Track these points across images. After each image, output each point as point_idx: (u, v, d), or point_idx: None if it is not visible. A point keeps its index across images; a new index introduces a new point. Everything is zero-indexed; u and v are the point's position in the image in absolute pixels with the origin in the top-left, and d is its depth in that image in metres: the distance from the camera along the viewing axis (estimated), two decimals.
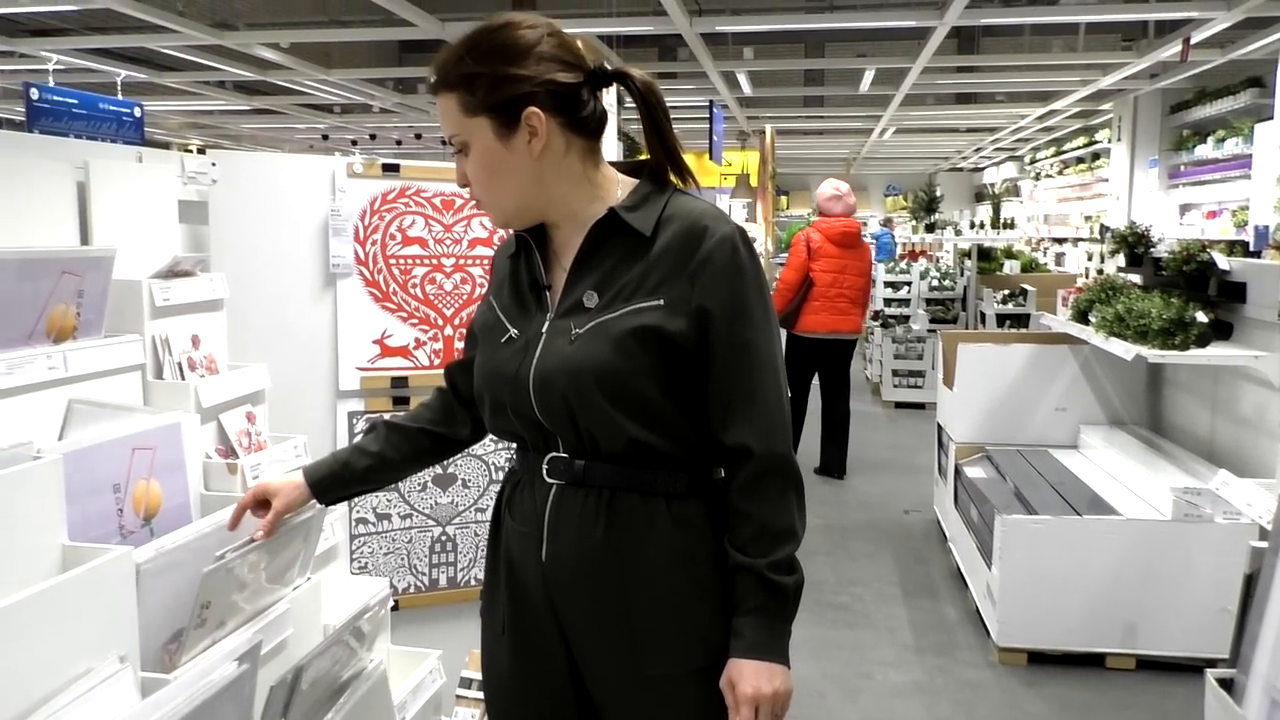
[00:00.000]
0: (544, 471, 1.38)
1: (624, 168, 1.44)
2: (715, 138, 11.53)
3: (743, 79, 11.15)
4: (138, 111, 6.71)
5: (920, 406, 8.01)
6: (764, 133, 14.74)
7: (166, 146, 12.46)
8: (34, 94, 5.97)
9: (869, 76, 10.69)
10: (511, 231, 1.48)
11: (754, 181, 15.66)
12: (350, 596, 2.13)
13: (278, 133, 16.46)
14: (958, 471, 4.40)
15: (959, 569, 4.22)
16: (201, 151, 2.18)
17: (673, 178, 1.43)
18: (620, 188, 1.41)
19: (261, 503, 1.56)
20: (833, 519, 5.13)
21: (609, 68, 1.39)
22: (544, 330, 1.37)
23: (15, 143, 1.80)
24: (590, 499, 1.36)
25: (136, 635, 1.41)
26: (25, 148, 1.82)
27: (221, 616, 1.55)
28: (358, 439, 1.65)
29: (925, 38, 8.74)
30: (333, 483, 1.59)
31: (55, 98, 6.13)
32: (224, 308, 2.07)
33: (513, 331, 1.40)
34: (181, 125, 14.98)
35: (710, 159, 12.08)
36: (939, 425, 5.05)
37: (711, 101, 11.44)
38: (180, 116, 13.98)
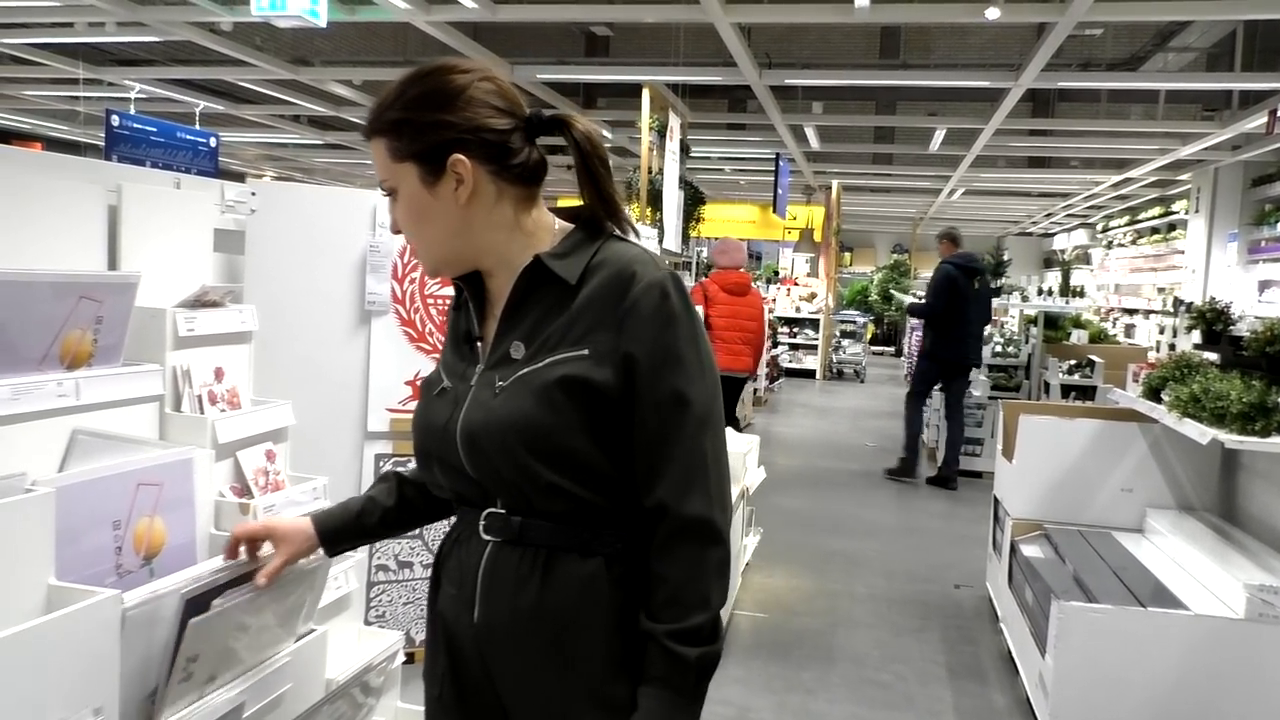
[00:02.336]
0: (480, 528, 1.33)
1: (565, 215, 1.39)
2: (780, 191, 11.49)
3: (810, 133, 11.09)
4: (213, 142, 6.86)
5: (977, 475, 7.75)
6: (830, 188, 14.71)
7: (241, 178, 12.77)
8: (114, 121, 6.12)
9: (939, 136, 10.57)
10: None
11: (818, 237, 15.62)
12: (361, 649, 2.04)
13: (349, 168, 16.82)
14: (1013, 549, 4.19)
15: (1010, 653, 3.99)
16: (240, 180, 2.15)
17: (620, 230, 1.36)
18: (556, 236, 1.36)
19: (262, 542, 1.50)
20: (878, 589, 4.93)
21: (545, 114, 1.34)
22: (473, 383, 1.32)
23: (45, 163, 1.77)
24: (526, 558, 1.29)
25: (116, 687, 1.33)
26: (55, 168, 1.79)
27: (212, 670, 1.46)
28: (369, 488, 1.57)
29: (999, 99, 8.61)
30: (342, 533, 1.53)
31: (135, 125, 6.27)
32: (252, 340, 2.02)
33: (446, 384, 1.37)
34: (257, 157, 15.36)
35: (774, 212, 12.04)
36: (995, 498, 4.84)
37: (778, 154, 11.42)
38: (256, 149, 14.34)
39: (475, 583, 1.32)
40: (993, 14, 5.90)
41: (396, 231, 1.36)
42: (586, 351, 1.25)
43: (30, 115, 12.54)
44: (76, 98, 10.03)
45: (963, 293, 7.09)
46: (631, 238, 1.36)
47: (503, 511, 1.30)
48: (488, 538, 1.32)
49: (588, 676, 1.28)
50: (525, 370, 1.27)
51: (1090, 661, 3.17)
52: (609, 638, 1.28)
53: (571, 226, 1.36)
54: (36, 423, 1.53)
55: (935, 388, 7.83)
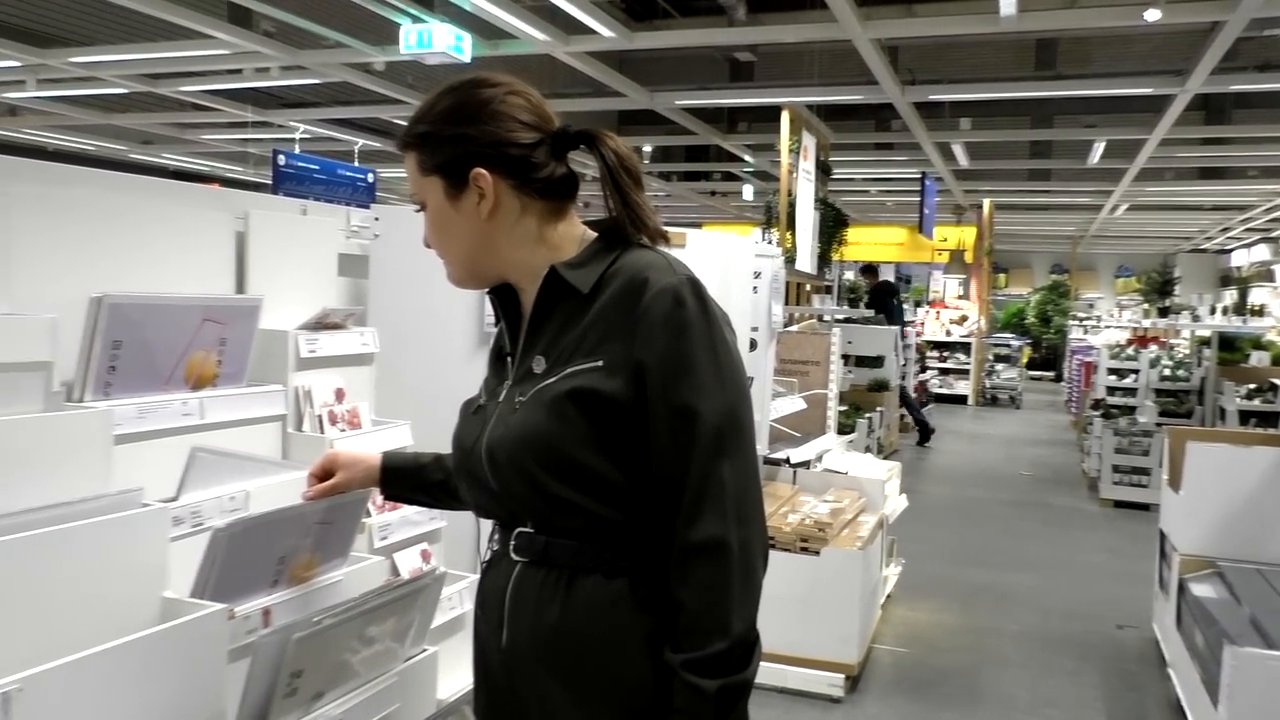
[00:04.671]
0: (510, 549, 1.30)
1: (596, 226, 1.34)
2: (926, 211, 11.16)
3: (959, 151, 10.73)
4: (371, 177, 7.18)
5: (1144, 507, 7.25)
6: (981, 207, 14.18)
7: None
8: (280, 160, 6.50)
9: (1099, 149, 10.04)
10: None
11: (969, 258, 15.06)
12: None
13: None
14: (1182, 587, 3.87)
15: (1179, 702, 3.68)
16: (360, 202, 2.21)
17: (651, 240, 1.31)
18: (580, 247, 1.31)
19: (329, 473, 1.54)
20: (1032, 626, 4.64)
21: (573, 130, 1.30)
22: (501, 400, 1.31)
23: (177, 192, 1.86)
24: (550, 579, 1.26)
25: (223, 705, 1.35)
26: (187, 196, 1.87)
27: (318, 687, 1.47)
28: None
29: (1163, 108, 8.12)
30: (402, 475, 1.57)
31: (299, 164, 6.64)
32: (373, 362, 2.06)
33: (481, 400, 1.36)
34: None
35: (920, 233, 11.69)
36: (1161, 532, 4.49)
37: (924, 173, 11.11)
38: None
39: (502, 605, 1.30)
40: (1152, 15, 5.56)
41: (428, 245, 1.36)
42: (600, 363, 1.22)
43: (207, 158, 13.48)
44: (247, 139, 10.71)
45: (889, 304, 10.78)
46: (661, 248, 1.31)
47: (531, 530, 1.28)
48: (516, 558, 1.29)
49: (613, 703, 1.24)
50: (542, 384, 1.25)
51: (1268, 715, 2.87)
52: (635, 662, 1.23)
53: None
54: (166, 440, 1.60)
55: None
